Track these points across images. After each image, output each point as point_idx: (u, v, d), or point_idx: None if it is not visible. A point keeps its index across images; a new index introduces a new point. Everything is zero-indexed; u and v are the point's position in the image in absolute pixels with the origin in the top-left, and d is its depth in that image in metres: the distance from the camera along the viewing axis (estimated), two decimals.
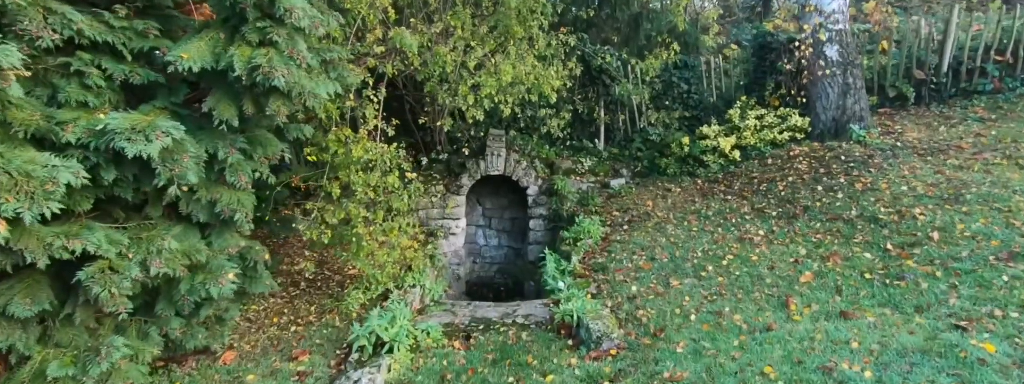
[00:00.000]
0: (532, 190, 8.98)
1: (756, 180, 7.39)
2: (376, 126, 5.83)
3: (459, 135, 8.69)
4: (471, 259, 9.92)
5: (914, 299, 4.04)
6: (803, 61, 8.20)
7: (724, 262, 5.48)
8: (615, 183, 9.06)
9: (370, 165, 5.52)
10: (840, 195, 6.20)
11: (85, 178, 3.21)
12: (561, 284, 5.66)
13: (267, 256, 5.00)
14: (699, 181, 8.21)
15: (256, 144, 4.31)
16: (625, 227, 7.36)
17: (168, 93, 3.99)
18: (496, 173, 8.84)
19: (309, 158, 5.36)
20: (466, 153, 8.55)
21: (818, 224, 5.80)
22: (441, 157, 8.93)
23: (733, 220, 6.54)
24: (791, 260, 5.21)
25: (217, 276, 3.97)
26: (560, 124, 8.78)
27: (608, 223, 7.62)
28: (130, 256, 3.47)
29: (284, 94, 3.80)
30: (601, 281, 5.69)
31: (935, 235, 4.86)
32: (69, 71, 3.51)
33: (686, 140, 8.60)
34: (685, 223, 6.85)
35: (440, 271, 7.84)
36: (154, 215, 4.01)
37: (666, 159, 8.91)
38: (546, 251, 7.10)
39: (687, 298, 4.86)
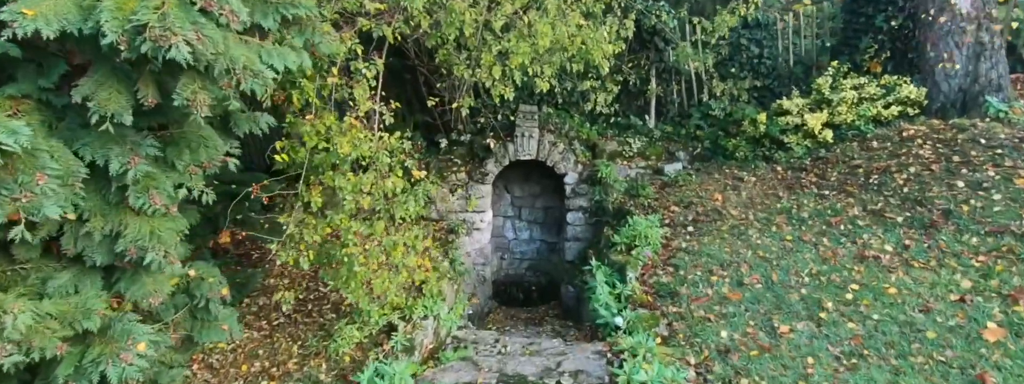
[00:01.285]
0: (570, 178, 7.49)
1: (861, 170, 5.76)
2: (375, 109, 4.39)
3: (483, 120, 7.20)
4: (499, 255, 8.57)
5: None
6: (919, 15, 6.41)
7: (848, 295, 3.97)
8: (670, 169, 7.52)
9: (363, 164, 4.12)
10: (996, 196, 4.58)
11: None
12: (619, 320, 4.25)
13: (225, 291, 3.70)
14: (779, 169, 6.60)
15: (181, 146, 2.93)
16: (690, 229, 5.87)
17: (35, 73, 2.62)
18: (528, 158, 7.37)
19: (280, 158, 3.97)
20: (491, 138, 7.06)
21: (974, 238, 4.22)
22: (462, 138, 7.48)
23: (841, 226, 4.98)
24: (952, 297, 3.68)
25: (121, 347, 2.67)
26: (607, 98, 7.19)
27: (667, 222, 6.13)
28: None
29: (199, 71, 2.38)
30: (673, 316, 4.25)
31: None
32: None
33: (763, 117, 6.95)
34: (772, 228, 5.32)
35: (460, 278, 6.49)
36: (29, 257, 2.70)
37: (734, 140, 7.30)
38: (592, 262, 5.68)
39: (810, 359, 3.39)
